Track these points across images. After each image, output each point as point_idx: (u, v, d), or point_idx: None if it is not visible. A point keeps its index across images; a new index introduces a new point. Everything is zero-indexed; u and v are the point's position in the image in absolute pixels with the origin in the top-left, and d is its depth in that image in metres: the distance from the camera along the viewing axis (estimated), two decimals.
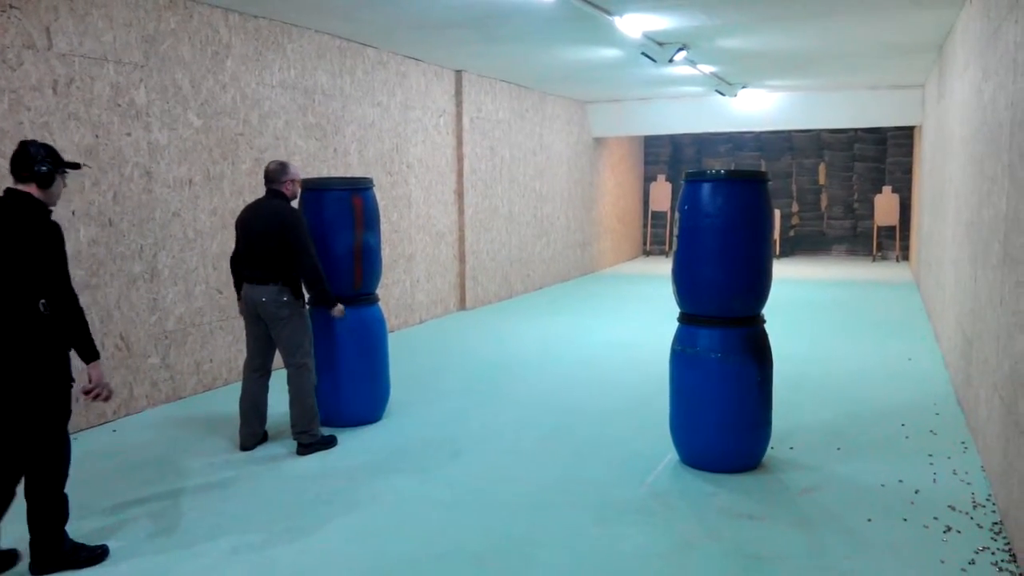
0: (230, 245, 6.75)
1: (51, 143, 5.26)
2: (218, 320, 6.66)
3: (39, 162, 3.43)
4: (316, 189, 5.50)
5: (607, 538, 3.86)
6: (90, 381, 3.54)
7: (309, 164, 7.66)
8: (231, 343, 6.75)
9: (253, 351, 5.13)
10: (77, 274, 5.45)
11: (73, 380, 3.55)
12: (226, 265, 6.68)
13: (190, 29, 6.34)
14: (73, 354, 3.49)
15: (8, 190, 3.46)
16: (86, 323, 3.53)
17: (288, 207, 5.05)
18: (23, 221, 3.38)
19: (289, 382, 5.06)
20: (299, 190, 5.25)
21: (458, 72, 10.27)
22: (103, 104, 5.64)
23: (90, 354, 3.53)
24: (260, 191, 7.06)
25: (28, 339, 3.36)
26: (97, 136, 5.59)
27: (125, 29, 5.79)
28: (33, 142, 3.48)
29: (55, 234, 3.42)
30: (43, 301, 3.39)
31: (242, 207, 6.83)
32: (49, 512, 3.51)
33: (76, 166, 3.67)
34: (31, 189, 3.44)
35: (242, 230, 5.10)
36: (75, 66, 5.44)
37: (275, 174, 5.07)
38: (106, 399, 3.62)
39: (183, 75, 6.28)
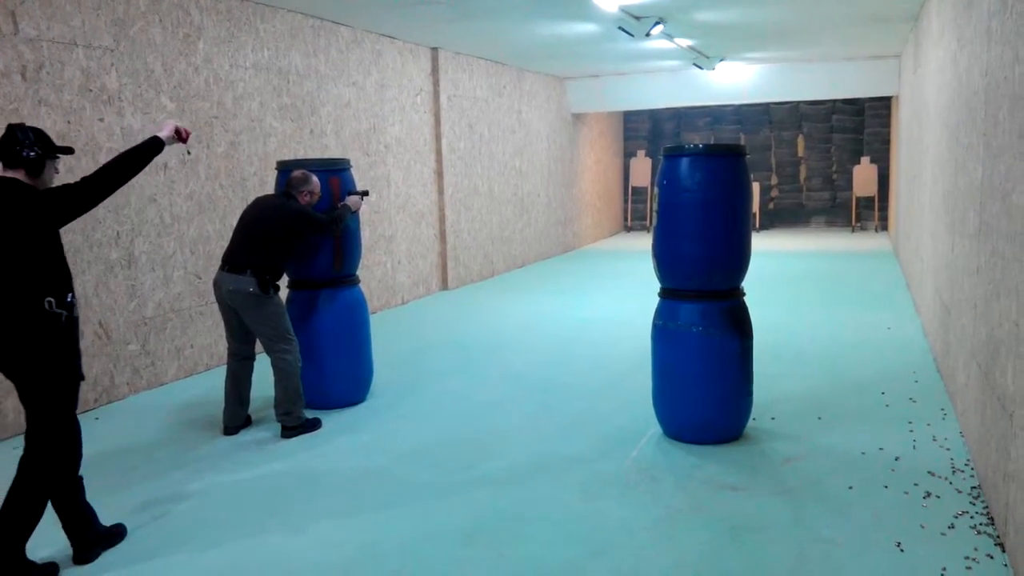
0: (207, 229, 6.71)
1: None
2: (198, 305, 6.61)
3: (27, 147, 3.23)
4: (292, 171, 5.45)
5: (593, 512, 3.89)
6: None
7: (285, 146, 7.59)
8: (211, 328, 6.71)
9: (230, 338, 5.13)
10: None
11: (83, 377, 3.44)
12: (204, 249, 6.65)
13: (161, 11, 6.24)
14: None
15: None
16: (118, 157, 3.50)
17: (297, 205, 5.09)
18: (12, 208, 3.20)
19: (273, 367, 5.06)
20: (315, 202, 5.24)
21: (434, 50, 10.18)
22: (74, 89, 5.56)
23: (149, 145, 3.56)
24: (235, 173, 7.01)
25: (34, 340, 3.22)
26: (69, 122, 5.50)
27: (94, 13, 5.69)
28: (21, 125, 3.27)
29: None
30: (49, 299, 3.23)
31: (218, 190, 6.81)
32: (21, 512, 3.30)
33: (69, 151, 3.48)
34: (19, 175, 3.26)
35: (241, 218, 5.14)
36: (44, 51, 5.35)
37: (297, 182, 5.15)
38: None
39: (155, 58, 6.19)
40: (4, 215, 3.21)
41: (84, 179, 3.39)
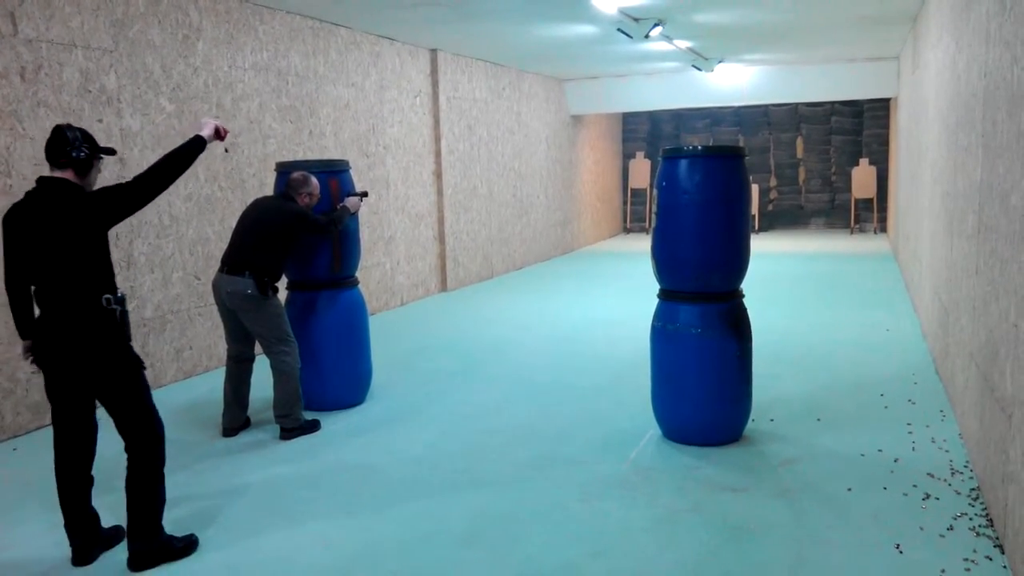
0: (206, 231, 6.71)
1: (20, 131, 5.19)
2: (196, 307, 6.61)
3: (77, 148, 3.28)
4: (291, 172, 5.45)
5: (592, 514, 3.88)
6: None
7: (284, 147, 7.59)
8: (210, 329, 6.71)
9: (229, 340, 5.13)
10: None
11: (144, 365, 3.52)
12: (203, 251, 6.64)
13: (159, 12, 6.24)
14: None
15: (44, 178, 3.31)
16: (165, 158, 3.52)
17: (296, 206, 5.09)
18: (65, 209, 3.25)
19: (272, 368, 5.05)
20: (315, 203, 5.23)
21: (433, 51, 10.19)
22: (73, 90, 5.56)
23: (193, 144, 3.60)
24: (235, 175, 7.01)
25: (100, 336, 3.32)
26: (68, 123, 5.49)
27: (93, 14, 5.69)
28: (69, 126, 3.32)
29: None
30: (107, 296, 3.31)
31: (217, 191, 6.80)
32: (148, 496, 3.48)
33: (112, 152, 3.52)
34: (68, 175, 3.30)
35: (240, 220, 5.14)
36: (42, 52, 5.34)
37: (296, 183, 5.15)
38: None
39: (154, 59, 6.19)
40: (60, 216, 3.26)
41: (136, 178, 3.43)
